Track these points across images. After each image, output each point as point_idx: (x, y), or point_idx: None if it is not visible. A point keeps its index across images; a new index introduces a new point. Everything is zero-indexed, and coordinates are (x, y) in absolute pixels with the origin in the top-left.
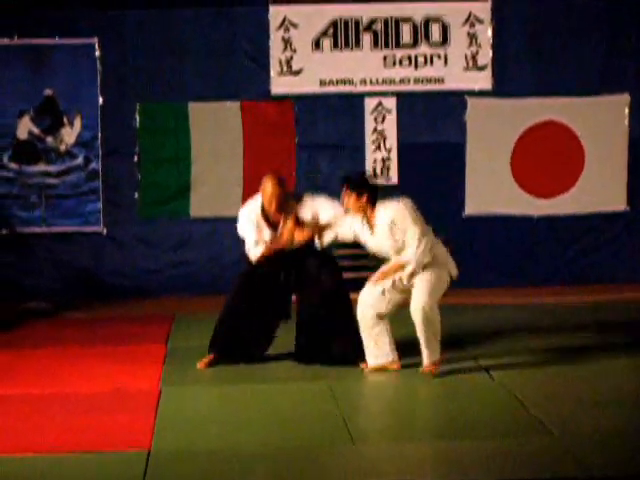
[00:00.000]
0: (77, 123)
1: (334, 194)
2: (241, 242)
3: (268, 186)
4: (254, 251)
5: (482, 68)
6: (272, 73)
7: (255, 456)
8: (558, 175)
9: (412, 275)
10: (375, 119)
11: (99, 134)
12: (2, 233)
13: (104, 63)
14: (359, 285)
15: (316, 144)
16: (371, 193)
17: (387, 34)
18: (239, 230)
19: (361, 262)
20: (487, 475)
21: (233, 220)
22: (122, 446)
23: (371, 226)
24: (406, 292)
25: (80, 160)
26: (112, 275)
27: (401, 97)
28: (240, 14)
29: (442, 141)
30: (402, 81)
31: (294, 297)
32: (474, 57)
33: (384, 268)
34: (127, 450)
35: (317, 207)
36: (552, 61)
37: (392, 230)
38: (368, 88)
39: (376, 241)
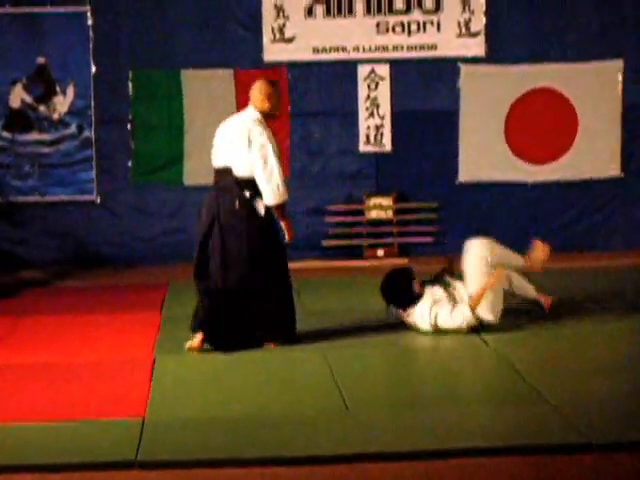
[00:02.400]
0: (70, 91)
1: (327, 160)
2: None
3: (263, 85)
4: (283, 189)
5: (475, 35)
6: (265, 40)
7: (249, 423)
8: (552, 141)
9: None
10: (368, 86)
11: (92, 102)
12: None
13: (96, 31)
14: (352, 252)
15: (309, 111)
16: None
17: (380, 1)
18: (268, 156)
19: (354, 229)
20: (484, 441)
21: None
22: (117, 414)
23: None
24: None
25: (73, 129)
26: (106, 244)
27: (394, 64)
28: None
29: (435, 108)
30: (395, 48)
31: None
32: (467, 24)
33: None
34: (122, 418)
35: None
36: (545, 27)
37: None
38: (361, 55)
39: None
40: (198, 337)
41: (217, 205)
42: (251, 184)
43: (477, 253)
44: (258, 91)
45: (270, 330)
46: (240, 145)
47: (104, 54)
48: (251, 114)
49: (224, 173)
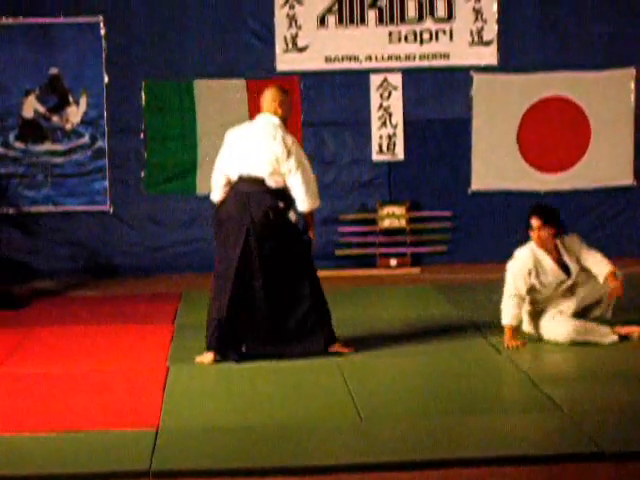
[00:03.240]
0: (83, 102)
1: (340, 169)
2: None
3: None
4: (317, 194)
5: (488, 43)
6: (277, 50)
7: (263, 433)
8: (565, 150)
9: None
10: (381, 95)
11: (105, 112)
12: (9, 213)
13: (109, 41)
14: (365, 261)
15: (322, 121)
16: (559, 227)
17: (392, 10)
18: (305, 163)
19: (368, 238)
20: (497, 451)
21: None
22: (130, 424)
23: (554, 259)
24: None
25: (86, 139)
26: (119, 253)
27: (407, 73)
28: None
29: (448, 117)
30: (407, 57)
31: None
32: (480, 32)
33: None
34: (135, 428)
35: None
36: (558, 36)
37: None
38: (373, 64)
39: (557, 274)
40: (210, 356)
41: (249, 216)
42: (282, 193)
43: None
44: (271, 98)
45: (314, 334)
46: (273, 154)
47: (117, 64)
48: (272, 120)
49: (252, 182)
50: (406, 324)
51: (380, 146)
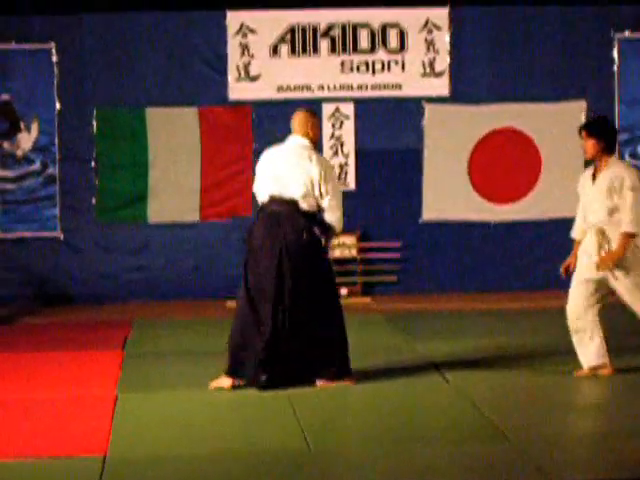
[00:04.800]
0: (34, 128)
1: None
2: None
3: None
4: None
5: (440, 74)
6: (230, 79)
7: (210, 462)
8: (515, 181)
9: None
10: (333, 125)
11: (56, 139)
12: None
13: (61, 68)
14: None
15: None
16: (608, 141)
17: (345, 40)
18: (337, 186)
19: (347, 267)
20: None
21: (191, 225)
22: (78, 451)
23: (596, 175)
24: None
25: (37, 165)
26: (70, 280)
27: (359, 103)
28: (197, 19)
29: (400, 147)
30: (360, 87)
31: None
32: (432, 63)
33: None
34: (83, 455)
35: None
36: (509, 68)
37: (610, 189)
38: (326, 94)
39: (593, 192)
40: (229, 381)
41: (282, 235)
42: (313, 216)
43: None
44: (304, 120)
45: (333, 365)
46: (308, 176)
47: (69, 91)
48: (304, 142)
49: (284, 203)
50: (356, 353)
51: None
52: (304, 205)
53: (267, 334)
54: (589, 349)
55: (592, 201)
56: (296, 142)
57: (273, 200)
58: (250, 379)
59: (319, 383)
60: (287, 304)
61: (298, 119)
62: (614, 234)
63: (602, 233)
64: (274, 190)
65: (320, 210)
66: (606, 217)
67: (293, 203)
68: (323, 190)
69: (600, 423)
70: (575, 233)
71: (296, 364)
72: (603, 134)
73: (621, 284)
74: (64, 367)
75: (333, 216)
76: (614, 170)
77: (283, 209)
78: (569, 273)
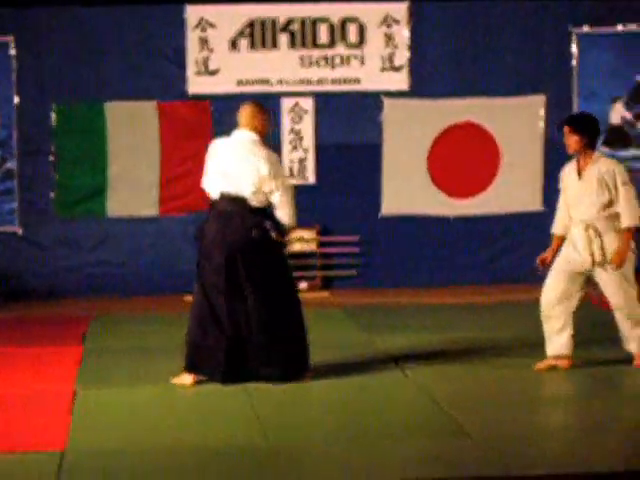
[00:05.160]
0: None
1: None
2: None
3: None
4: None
5: (399, 69)
6: (189, 73)
7: (168, 456)
8: (474, 176)
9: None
10: (292, 119)
11: (14, 133)
12: None
13: (19, 62)
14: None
15: None
16: (592, 136)
17: (304, 34)
18: (287, 180)
19: (306, 261)
20: (400, 475)
21: (150, 220)
22: (36, 447)
23: (581, 171)
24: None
25: None
26: (29, 275)
27: (318, 97)
28: (157, 13)
29: (359, 141)
30: (319, 81)
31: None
32: (391, 58)
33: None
34: (41, 450)
35: None
36: (469, 62)
37: (602, 184)
38: (285, 88)
39: (581, 188)
40: (190, 377)
41: (232, 234)
42: (264, 212)
43: None
44: (251, 114)
45: (292, 360)
46: (257, 173)
47: (27, 85)
48: (252, 137)
49: (234, 201)
50: (315, 347)
51: (291, 170)
52: (254, 202)
53: (224, 330)
54: (558, 339)
55: (580, 197)
56: (244, 136)
57: (223, 198)
58: (210, 374)
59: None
60: (243, 300)
61: (245, 112)
62: (605, 229)
63: (593, 228)
64: (224, 187)
65: (271, 205)
66: (597, 212)
67: (243, 200)
68: (273, 186)
69: (562, 417)
70: (556, 228)
71: (256, 359)
72: (587, 130)
73: (607, 275)
74: (22, 363)
75: (283, 212)
76: (603, 165)
77: (233, 207)
78: (546, 266)
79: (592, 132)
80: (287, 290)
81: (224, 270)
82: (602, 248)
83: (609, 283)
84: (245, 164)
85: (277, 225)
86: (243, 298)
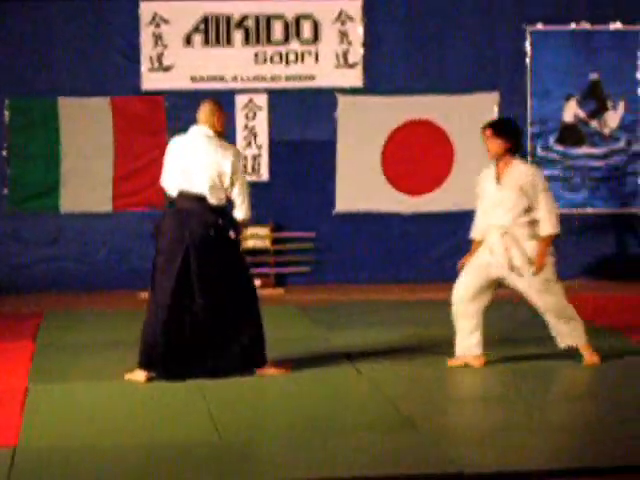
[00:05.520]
0: None
1: None
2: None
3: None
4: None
5: (353, 65)
6: (143, 69)
7: (121, 453)
8: (428, 173)
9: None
10: (246, 116)
11: None
12: None
13: None
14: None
15: None
16: (515, 141)
17: (258, 31)
18: (243, 175)
19: (260, 258)
20: (351, 471)
21: (104, 216)
22: None
23: (499, 176)
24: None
25: None
26: None
27: (272, 94)
28: (110, 8)
29: (313, 138)
30: (273, 78)
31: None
32: (345, 55)
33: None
34: None
35: None
36: (422, 59)
37: (522, 190)
38: (239, 85)
39: (499, 193)
40: (143, 374)
41: (189, 233)
42: (222, 210)
43: None
44: (209, 111)
45: (249, 355)
46: (216, 169)
47: None
48: (209, 133)
49: (192, 199)
50: (269, 344)
51: (245, 166)
52: (212, 200)
53: (174, 327)
54: (469, 339)
55: (498, 202)
56: (202, 133)
57: (181, 195)
58: (162, 372)
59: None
60: (199, 298)
61: (204, 110)
62: (523, 235)
63: (510, 235)
64: (182, 184)
65: (229, 202)
66: (514, 219)
67: (201, 199)
68: (232, 181)
69: (507, 414)
70: (475, 233)
71: (213, 356)
72: (511, 134)
73: (526, 282)
74: None
75: (242, 206)
76: (522, 171)
77: (191, 205)
78: None
79: (515, 137)
80: (244, 287)
81: (180, 267)
82: (520, 255)
83: (531, 289)
84: (204, 160)
85: (234, 223)
86: (199, 295)
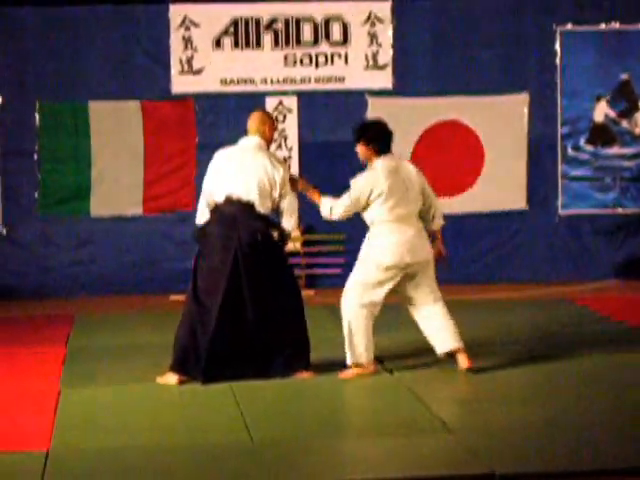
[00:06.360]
0: None
1: None
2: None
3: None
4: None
5: (382, 67)
6: (173, 72)
7: (154, 454)
8: (458, 174)
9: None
10: (276, 118)
11: None
12: None
13: (3, 61)
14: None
15: (217, 144)
16: (377, 144)
17: (288, 33)
18: (292, 194)
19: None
20: (388, 473)
21: (134, 219)
22: (20, 447)
23: None
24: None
25: None
26: (12, 275)
27: (302, 96)
28: (140, 12)
29: (343, 140)
30: (303, 80)
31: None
32: (374, 56)
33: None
34: (25, 450)
35: None
36: (452, 61)
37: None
38: (269, 87)
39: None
40: (175, 378)
41: (237, 238)
42: (268, 218)
43: None
44: (260, 121)
45: (294, 358)
46: (267, 179)
47: (10, 84)
48: (260, 143)
49: (240, 205)
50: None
51: None
52: (260, 208)
53: (212, 332)
54: (370, 346)
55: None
56: (254, 142)
57: (229, 201)
58: (200, 376)
59: (300, 375)
60: (249, 304)
61: (255, 120)
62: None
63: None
64: (230, 191)
65: (276, 212)
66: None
67: (249, 205)
68: (283, 192)
69: (540, 414)
70: None
71: (258, 361)
72: (369, 140)
73: (423, 274)
74: (5, 363)
75: (290, 218)
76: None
77: (239, 211)
78: None
79: (375, 141)
80: (292, 291)
81: (230, 272)
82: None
83: (426, 280)
84: (256, 166)
85: (280, 232)
86: (249, 300)
